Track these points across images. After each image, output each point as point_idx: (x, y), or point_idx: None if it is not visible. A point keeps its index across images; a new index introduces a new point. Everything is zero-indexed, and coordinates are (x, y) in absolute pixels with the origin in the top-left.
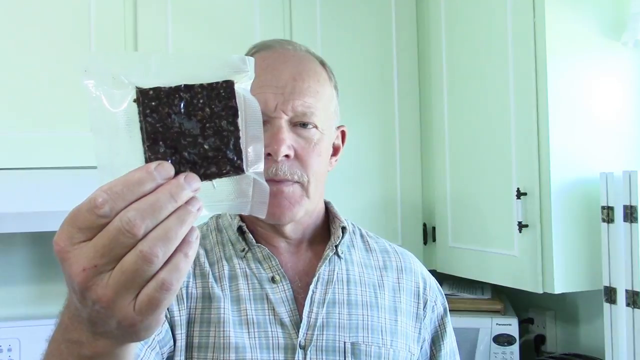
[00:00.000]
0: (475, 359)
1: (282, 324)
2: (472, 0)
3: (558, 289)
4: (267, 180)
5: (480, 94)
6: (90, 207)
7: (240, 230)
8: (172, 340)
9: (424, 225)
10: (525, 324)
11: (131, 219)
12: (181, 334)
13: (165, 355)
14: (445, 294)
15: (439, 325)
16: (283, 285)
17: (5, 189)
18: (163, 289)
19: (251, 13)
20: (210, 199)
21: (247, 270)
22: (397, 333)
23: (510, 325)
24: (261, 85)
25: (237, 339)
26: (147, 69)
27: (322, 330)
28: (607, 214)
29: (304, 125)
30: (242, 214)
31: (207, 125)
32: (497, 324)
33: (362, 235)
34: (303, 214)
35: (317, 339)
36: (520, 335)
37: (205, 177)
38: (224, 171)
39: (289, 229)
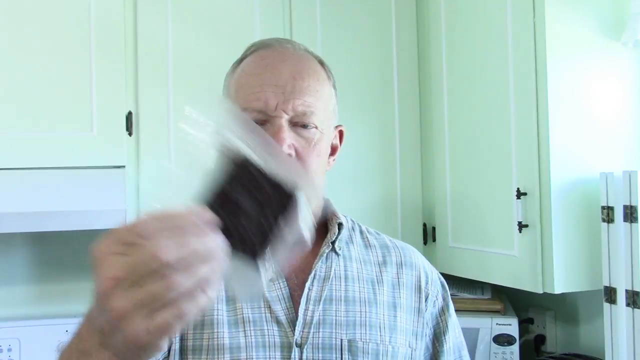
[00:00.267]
0: (475, 359)
1: (278, 322)
2: (472, 0)
3: (558, 289)
4: None
5: (480, 94)
6: (133, 227)
7: None
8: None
9: (424, 225)
10: (525, 324)
11: (164, 248)
12: (175, 337)
13: None
14: None
15: (441, 320)
16: (279, 283)
17: (5, 189)
18: (178, 317)
19: (251, 13)
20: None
21: None
22: (396, 329)
23: (510, 325)
24: (261, 83)
25: (231, 340)
26: (235, 131)
27: (319, 328)
28: (607, 214)
29: (304, 125)
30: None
31: (263, 212)
32: (497, 324)
33: (361, 232)
34: None
35: (313, 337)
36: (520, 335)
37: (232, 245)
38: (247, 252)
39: None
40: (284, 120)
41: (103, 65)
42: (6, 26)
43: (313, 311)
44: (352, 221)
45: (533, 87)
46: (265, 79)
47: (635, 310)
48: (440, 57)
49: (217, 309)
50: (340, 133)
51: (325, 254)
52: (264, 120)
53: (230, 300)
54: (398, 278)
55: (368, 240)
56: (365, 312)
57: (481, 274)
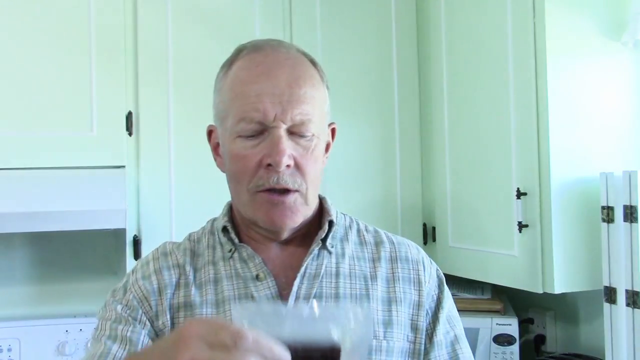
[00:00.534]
0: (475, 359)
1: None
2: (472, 0)
3: (558, 289)
4: (268, 190)
5: (480, 94)
6: (234, 332)
7: (225, 230)
8: None
9: (424, 225)
10: (525, 324)
11: None
12: None
13: None
14: None
15: (433, 314)
16: (267, 282)
17: (5, 189)
18: None
19: (251, 13)
20: None
21: (233, 271)
22: (391, 323)
23: (510, 325)
24: (258, 93)
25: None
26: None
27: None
28: (607, 214)
29: (302, 135)
30: None
31: None
32: (497, 324)
33: (358, 230)
34: (301, 220)
35: None
36: (520, 335)
37: None
38: None
39: (285, 234)
40: (282, 130)
41: (103, 65)
42: (6, 26)
43: None
44: (351, 219)
45: (533, 87)
46: (262, 88)
47: (635, 310)
48: (440, 57)
49: (205, 313)
50: (333, 130)
51: (315, 252)
52: (263, 130)
53: (220, 302)
54: (393, 273)
55: (364, 238)
56: None
57: (481, 274)
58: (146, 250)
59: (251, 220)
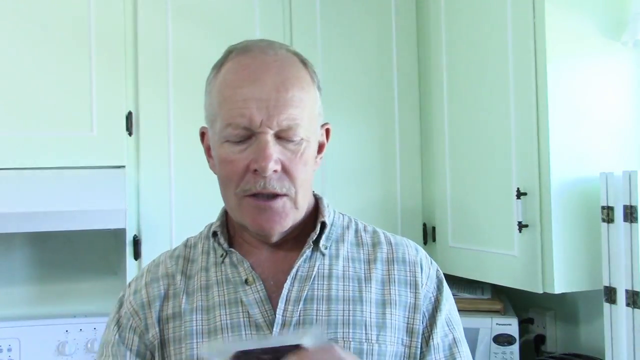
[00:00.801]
0: (475, 359)
1: (256, 326)
2: (472, 0)
3: (558, 289)
4: (255, 195)
5: (480, 94)
6: None
7: (214, 235)
8: None
9: (424, 225)
10: (525, 324)
11: None
12: (158, 356)
13: None
14: None
15: (430, 317)
16: (256, 286)
17: (5, 189)
18: None
19: (251, 13)
20: None
21: (224, 276)
22: (385, 326)
23: (510, 325)
24: (244, 98)
25: (202, 350)
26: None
27: (298, 328)
28: (607, 214)
29: (290, 139)
30: None
31: None
32: (497, 323)
33: (356, 230)
34: (291, 224)
35: None
36: (520, 335)
37: None
38: None
39: (275, 237)
40: (269, 135)
41: (103, 65)
42: (6, 26)
43: (292, 311)
44: (350, 219)
45: (533, 87)
46: (248, 92)
47: (635, 310)
48: (440, 57)
49: (195, 319)
50: (327, 131)
51: (307, 254)
52: (250, 135)
53: (210, 308)
54: (389, 275)
55: (362, 238)
56: (349, 310)
57: (481, 274)
58: (146, 250)
59: (240, 224)
